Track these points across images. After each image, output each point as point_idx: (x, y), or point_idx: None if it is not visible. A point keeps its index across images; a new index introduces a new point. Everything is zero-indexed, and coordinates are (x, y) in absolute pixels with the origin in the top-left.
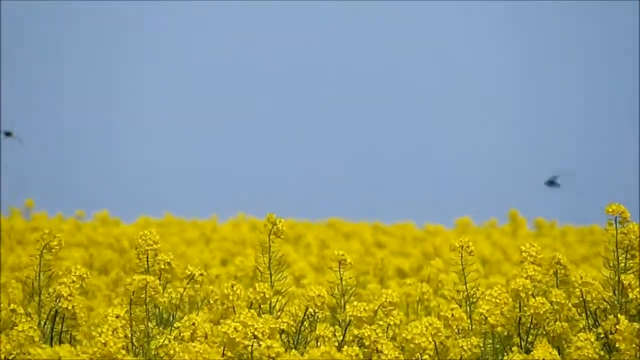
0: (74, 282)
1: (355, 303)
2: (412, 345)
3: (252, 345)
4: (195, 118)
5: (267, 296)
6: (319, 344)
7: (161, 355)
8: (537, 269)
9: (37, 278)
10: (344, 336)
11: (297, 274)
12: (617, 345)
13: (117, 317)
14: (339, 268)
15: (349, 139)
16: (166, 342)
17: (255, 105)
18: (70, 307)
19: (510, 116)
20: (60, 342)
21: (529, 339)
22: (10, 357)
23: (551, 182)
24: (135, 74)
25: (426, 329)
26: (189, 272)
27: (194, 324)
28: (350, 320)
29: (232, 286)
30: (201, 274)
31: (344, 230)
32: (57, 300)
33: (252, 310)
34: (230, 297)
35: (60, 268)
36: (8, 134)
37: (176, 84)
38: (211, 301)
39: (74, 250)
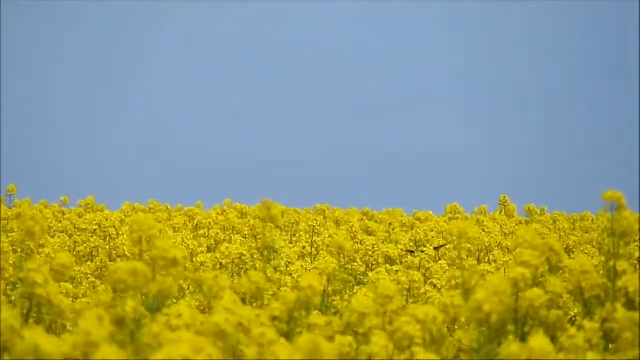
0: (41, 266)
1: (342, 296)
2: (400, 334)
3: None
4: (179, 103)
5: (262, 286)
6: (310, 332)
7: (149, 344)
8: (533, 254)
9: (19, 264)
10: (331, 323)
11: (286, 260)
12: (614, 334)
13: (104, 304)
14: (337, 254)
15: (338, 126)
16: (155, 330)
17: (241, 90)
18: (45, 294)
19: (502, 102)
20: (38, 328)
21: (525, 330)
22: None
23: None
24: (122, 60)
25: (417, 318)
26: (171, 256)
27: (180, 315)
28: (339, 311)
29: (215, 277)
30: (183, 257)
31: (333, 216)
32: (32, 287)
33: (236, 296)
34: (214, 290)
35: (42, 255)
36: None
37: (161, 68)
38: (205, 286)
39: (57, 237)
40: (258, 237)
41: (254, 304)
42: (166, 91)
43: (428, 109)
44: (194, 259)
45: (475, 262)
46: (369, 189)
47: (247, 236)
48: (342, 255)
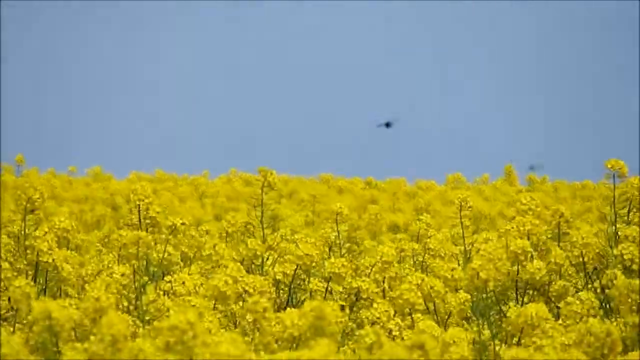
0: (46, 233)
1: (332, 260)
2: (400, 301)
3: (243, 300)
4: (186, 74)
5: (259, 253)
6: (312, 297)
7: (152, 311)
8: (534, 222)
9: (23, 233)
10: (326, 290)
11: (290, 229)
12: (614, 301)
13: (123, 275)
14: (337, 222)
15: (341, 95)
16: (157, 297)
17: (248, 61)
18: (50, 261)
19: (504, 73)
20: (45, 295)
21: (525, 300)
22: (6, 314)
23: (387, 124)
24: (130, 29)
25: (417, 285)
26: (170, 223)
27: (184, 282)
28: (330, 277)
29: (214, 246)
30: (183, 224)
31: (336, 185)
32: (37, 255)
33: (238, 264)
34: (214, 258)
35: (49, 223)
36: (388, 125)
37: (170, 40)
38: (204, 254)
39: (65, 205)
40: (256, 205)
41: (256, 272)
42: (174, 58)
43: (434, 81)
44: (199, 228)
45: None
46: (371, 158)
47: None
48: (345, 224)
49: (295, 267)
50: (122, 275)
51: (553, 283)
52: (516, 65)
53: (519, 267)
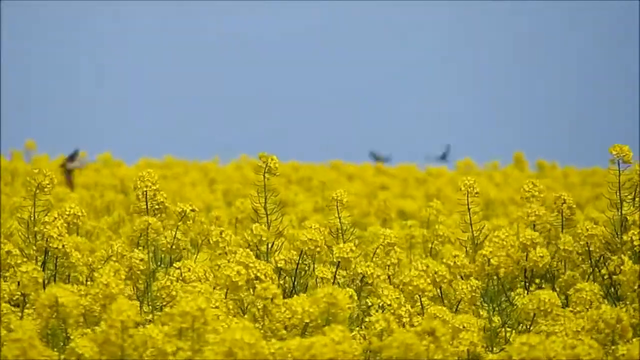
0: (55, 219)
1: (341, 245)
2: (410, 288)
3: (254, 287)
4: (195, 59)
5: (264, 238)
6: (318, 284)
7: (163, 296)
8: (540, 211)
9: (32, 219)
10: (335, 276)
11: (300, 215)
12: (621, 288)
13: (142, 260)
14: (337, 209)
15: (351, 82)
16: (167, 283)
17: (259, 45)
18: (60, 247)
19: (516, 59)
20: (55, 281)
21: (532, 288)
22: (14, 298)
23: (443, 157)
24: (136, 14)
25: (424, 271)
26: (180, 209)
27: (189, 269)
28: (339, 262)
29: (221, 233)
30: (192, 210)
31: (347, 171)
32: (47, 241)
33: (248, 250)
34: (221, 244)
35: (59, 209)
36: (444, 156)
37: (180, 21)
38: (211, 241)
39: (75, 191)
40: (259, 191)
41: (262, 259)
42: (182, 42)
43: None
44: (209, 214)
45: (485, 217)
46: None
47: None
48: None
49: (300, 252)
50: (141, 260)
51: (560, 272)
52: (525, 51)
53: (526, 255)
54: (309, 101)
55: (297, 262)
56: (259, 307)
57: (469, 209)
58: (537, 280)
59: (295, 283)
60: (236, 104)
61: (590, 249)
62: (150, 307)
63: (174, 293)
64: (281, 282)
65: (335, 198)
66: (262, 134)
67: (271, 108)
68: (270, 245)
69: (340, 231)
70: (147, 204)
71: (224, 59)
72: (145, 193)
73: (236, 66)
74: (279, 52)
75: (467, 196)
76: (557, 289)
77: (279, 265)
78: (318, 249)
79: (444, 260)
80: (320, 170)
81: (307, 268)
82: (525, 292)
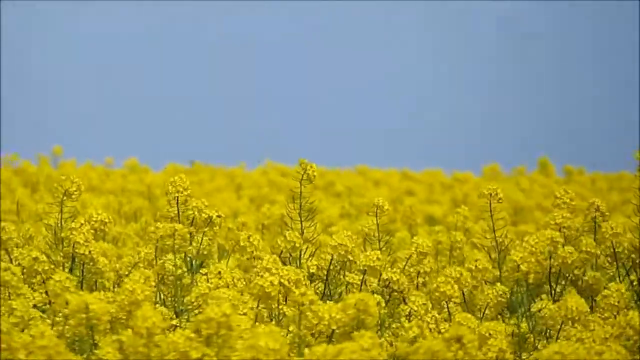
0: (82, 225)
1: (367, 252)
2: (437, 294)
3: (282, 293)
4: (221, 66)
5: (297, 245)
6: (347, 291)
7: (192, 302)
8: (566, 216)
9: (60, 225)
10: (362, 282)
11: (326, 221)
12: None
13: (149, 265)
14: (376, 214)
15: (377, 88)
16: (195, 289)
17: (285, 50)
18: (87, 253)
19: (542, 66)
20: (82, 288)
21: (557, 289)
22: (43, 307)
23: None
24: (163, 16)
25: (453, 278)
26: (206, 216)
27: (219, 272)
28: (365, 269)
29: (249, 237)
30: (219, 216)
31: (373, 177)
32: (74, 247)
33: (275, 256)
34: (248, 249)
35: (85, 215)
36: None
37: (202, 28)
38: (239, 246)
39: (102, 197)
40: (295, 198)
41: (293, 265)
42: (206, 46)
43: (470, 71)
44: (236, 220)
45: (512, 223)
46: (406, 147)
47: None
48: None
49: (331, 258)
50: (175, 266)
51: (584, 273)
52: (552, 58)
53: (552, 255)
54: (334, 104)
55: (327, 268)
56: (291, 313)
57: (491, 215)
58: (563, 282)
59: (326, 289)
60: (263, 109)
61: (617, 249)
62: (177, 313)
63: (201, 299)
64: (315, 286)
65: (376, 204)
66: (286, 138)
67: (296, 111)
68: (302, 252)
69: (373, 237)
70: (178, 210)
71: (255, 63)
72: (176, 198)
73: (265, 69)
74: (292, 58)
75: (491, 202)
76: (583, 292)
77: (311, 270)
78: (350, 256)
79: (466, 264)
80: (346, 175)
81: (338, 275)
82: (551, 299)
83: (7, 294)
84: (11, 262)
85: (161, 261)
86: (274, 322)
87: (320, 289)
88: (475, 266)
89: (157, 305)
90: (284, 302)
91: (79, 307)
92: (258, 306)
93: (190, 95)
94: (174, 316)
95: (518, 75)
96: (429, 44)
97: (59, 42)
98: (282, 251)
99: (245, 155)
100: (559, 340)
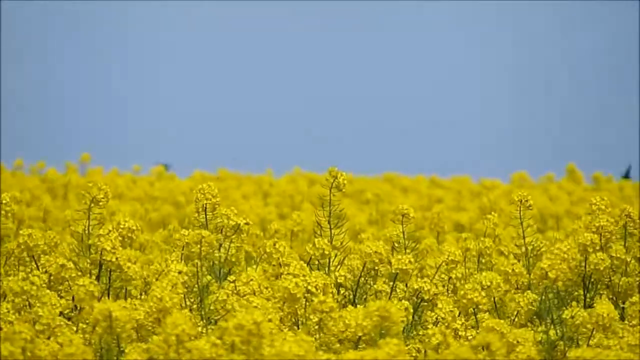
0: (109, 232)
1: (399, 256)
2: (464, 301)
3: (308, 300)
4: (247, 73)
5: (327, 252)
6: (377, 298)
7: (218, 309)
8: (609, 220)
9: (87, 232)
10: (392, 289)
11: (355, 228)
12: None
13: (180, 272)
14: (402, 222)
15: (406, 94)
16: (224, 296)
17: (310, 59)
18: (114, 260)
19: (569, 74)
20: (109, 295)
21: (589, 295)
22: (67, 312)
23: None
24: (188, 26)
25: (480, 285)
26: (233, 223)
27: (251, 280)
28: (396, 274)
29: (274, 244)
30: (246, 223)
31: (401, 184)
32: (101, 254)
33: (302, 262)
34: (274, 255)
35: (112, 222)
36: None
37: (232, 35)
38: (265, 252)
39: (129, 204)
40: (324, 205)
41: (321, 271)
42: (235, 55)
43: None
44: (268, 227)
45: (540, 230)
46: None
47: (315, 204)
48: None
49: (363, 265)
50: (201, 273)
51: (616, 279)
52: (579, 67)
53: (585, 261)
54: (362, 112)
55: (358, 275)
56: (314, 320)
57: (521, 222)
58: (592, 287)
59: (356, 296)
60: (291, 116)
61: None
62: (204, 320)
63: (228, 306)
64: (343, 294)
65: (401, 212)
66: (313, 145)
67: (325, 118)
68: (332, 259)
69: (401, 244)
70: (206, 217)
71: (274, 71)
72: (204, 206)
73: (292, 77)
74: (320, 66)
75: (520, 209)
76: (614, 299)
77: (339, 280)
78: (380, 265)
79: (501, 268)
80: (374, 182)
81: (367, 282)
82: (581, 306)
83: (27, 303)
84: (38, 269)
85: (187, 268)
86: (300, 330)
87: (348, 296)
88: (513, 270)
89: (185, 312)
90: (310, 309)
91: (102, 315)
92: (282, 310)
93: (216, 102)
94: (201, 323)
95: (547, 83)
96: (460, 54)
97: (87, 49)
98: (310, 258)
99: (273, 162)
100: (588, 347)
